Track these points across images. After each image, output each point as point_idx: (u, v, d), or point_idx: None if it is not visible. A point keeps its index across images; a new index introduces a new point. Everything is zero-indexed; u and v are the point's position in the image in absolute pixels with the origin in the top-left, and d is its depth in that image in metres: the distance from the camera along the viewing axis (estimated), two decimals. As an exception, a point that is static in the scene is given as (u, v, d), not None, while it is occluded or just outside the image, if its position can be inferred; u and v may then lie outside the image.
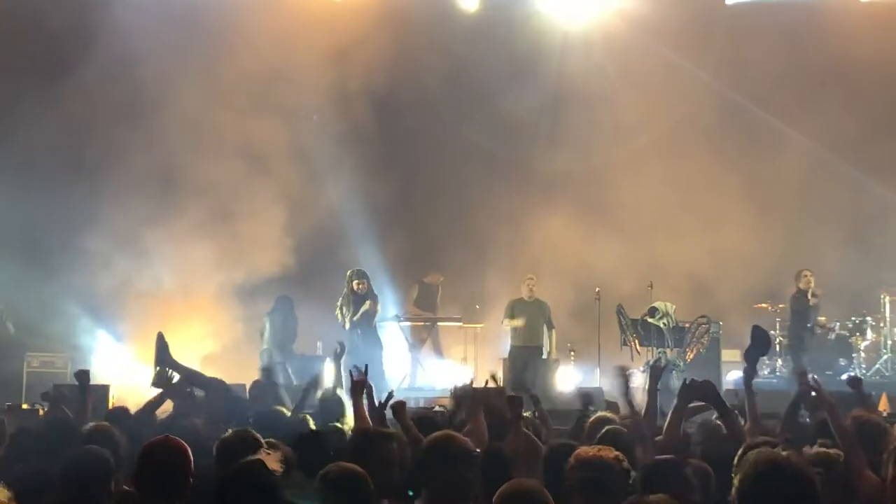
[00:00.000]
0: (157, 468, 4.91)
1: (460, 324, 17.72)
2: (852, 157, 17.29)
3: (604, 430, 6.20)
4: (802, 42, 17.74)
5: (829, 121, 16.82)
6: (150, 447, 5.01)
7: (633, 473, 4.97)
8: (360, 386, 7.34)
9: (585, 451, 4.89)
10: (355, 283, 15.84)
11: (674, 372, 14.13)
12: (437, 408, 11.10)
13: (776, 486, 3.64)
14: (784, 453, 3.96)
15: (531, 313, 15.81)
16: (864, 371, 16.04)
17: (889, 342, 16.76)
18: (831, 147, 17.28)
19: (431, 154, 18.69)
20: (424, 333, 17.46)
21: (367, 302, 15.84)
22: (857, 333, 16.89)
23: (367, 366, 7.50)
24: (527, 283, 15.91)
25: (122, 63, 16.00)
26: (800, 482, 3.64)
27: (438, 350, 17.63)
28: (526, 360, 15.45)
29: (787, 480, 3.64)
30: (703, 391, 6.65)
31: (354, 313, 15.78)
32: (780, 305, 17.02)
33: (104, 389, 12.29)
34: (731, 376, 15.32)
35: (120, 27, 15.95)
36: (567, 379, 15.58)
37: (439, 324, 17.65)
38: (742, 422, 6.43)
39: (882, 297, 17.01)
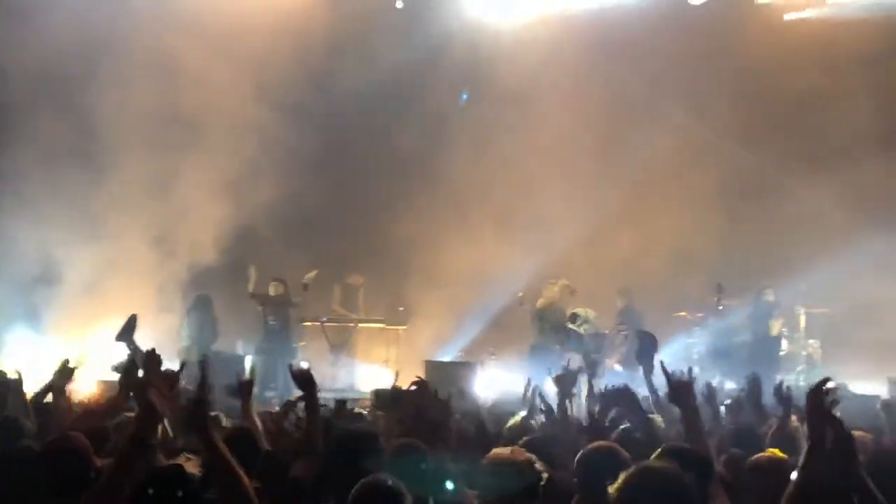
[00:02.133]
0: (57, 465, 4.90)
1: (383, 325, 17.71)
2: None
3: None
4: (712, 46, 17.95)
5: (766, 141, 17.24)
6: (48, 445, 5.03)
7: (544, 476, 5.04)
8: (246, 387, 7.23)
9: (497, 453, 4.93)
10: (272, 286, 16.33)
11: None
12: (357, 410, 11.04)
13: (645, 493, 3.64)
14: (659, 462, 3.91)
15: None
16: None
17: (804, 353, 17.04)
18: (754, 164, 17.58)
19: (356, 159, 18.68)
20: (347, 334, 17.42)
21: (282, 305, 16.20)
22: (777, 345, 17.05)
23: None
24: None
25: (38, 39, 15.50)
26: (671, 488, 3.59)
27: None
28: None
29: (657, 487, 3.61)
30: (620, 397, 6.70)
31: (270, 314, 16.09)
32: (699, 314, 17.22)
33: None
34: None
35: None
36: (488, 382, 15.58)
37: (361, 325, 17.59)
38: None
39: (798, 310, 17.27)
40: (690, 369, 5.75)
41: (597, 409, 6.75)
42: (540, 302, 16.12)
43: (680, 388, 5.53)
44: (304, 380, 5.94)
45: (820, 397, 3.87)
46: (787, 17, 18.68)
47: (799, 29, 18.32)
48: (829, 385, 3.96)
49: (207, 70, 16.23)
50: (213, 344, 16.11)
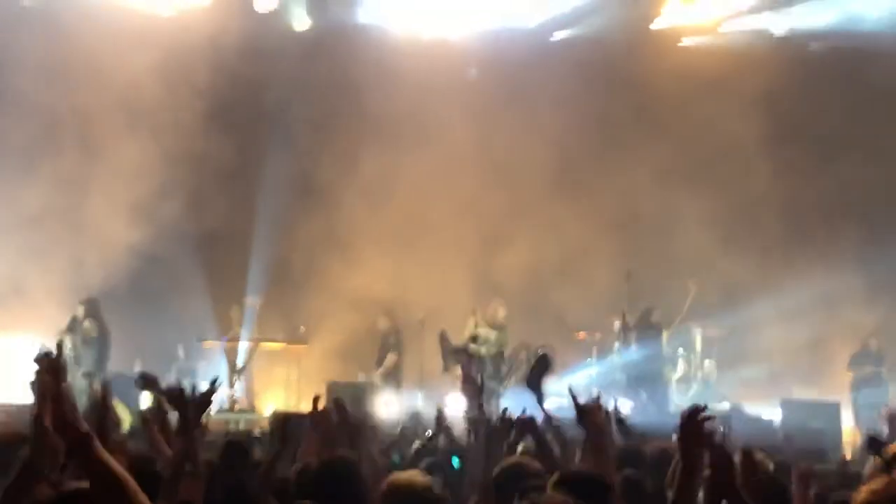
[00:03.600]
0: None
1: (283, 344, 17.59)
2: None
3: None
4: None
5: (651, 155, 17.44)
6: None
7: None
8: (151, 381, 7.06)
9: (397, 476, 4.94)
10: None
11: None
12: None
13: None
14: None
15: None
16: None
17: (699, 374, 17.31)
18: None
19: (255, 178, 18.30)
20: (247, 355, 17.25)
21: None
22: (670, 366, 17.42)
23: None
24: None
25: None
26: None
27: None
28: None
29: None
30: (522, 427, 6.70)
31: None
32: (597, 333, 17.35)
33: None
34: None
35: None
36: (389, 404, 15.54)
37: (262, 344, 17.44)
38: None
39: (694, 331, 17.53)
40: (599, 393, 5.98)
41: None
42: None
43: (587, 411, 5.58)
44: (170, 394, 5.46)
45: (693, 422, 3.76)
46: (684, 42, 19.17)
47: (694, 55, 18.76)
48: (715, 407, 3.96)
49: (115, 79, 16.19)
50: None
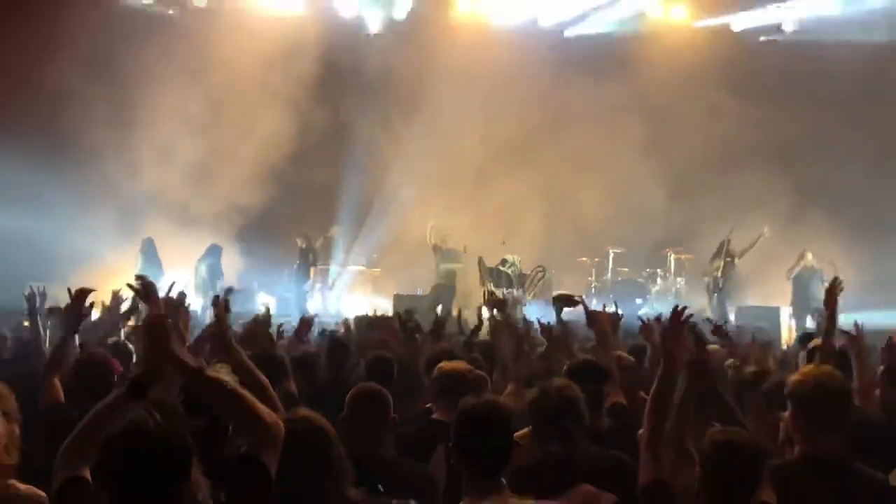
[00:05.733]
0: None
1: (362, 267, 17.67)
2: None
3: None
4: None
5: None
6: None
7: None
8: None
9: (444, 364, 4.85)
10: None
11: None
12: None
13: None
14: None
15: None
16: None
17: (674, 288, 17.20)
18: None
19: (347, 140, 17.75)
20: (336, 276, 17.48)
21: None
22: (650, 281, 17.49)
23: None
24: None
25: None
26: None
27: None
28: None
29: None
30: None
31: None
32: (596, 259, 17.47)
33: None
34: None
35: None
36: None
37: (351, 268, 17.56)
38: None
39: (668, 255, 17.53)
40: (605, 305, 6.04)
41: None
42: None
43: (594, 317, 5.59)
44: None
45: (678, 321, 3.54)
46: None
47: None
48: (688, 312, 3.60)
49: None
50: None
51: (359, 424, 3.92)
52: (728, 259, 15.89)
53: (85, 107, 14.96)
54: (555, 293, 7.76)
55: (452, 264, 16.10)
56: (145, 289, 4.81)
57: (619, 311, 6.39)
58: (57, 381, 4.47)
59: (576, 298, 7.32)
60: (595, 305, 6.47)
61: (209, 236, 16.25)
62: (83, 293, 4.73)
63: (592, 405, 4.08)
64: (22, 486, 3.17)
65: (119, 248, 15.59)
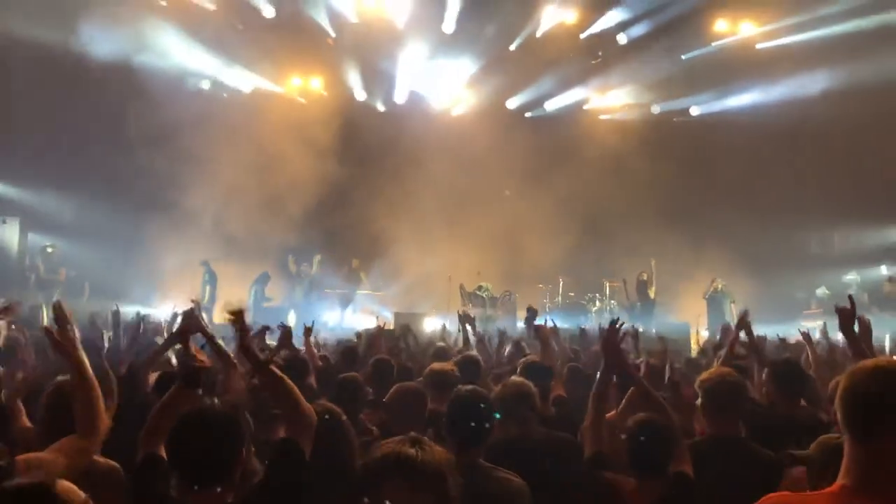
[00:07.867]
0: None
1: (370, 291, 17.51)
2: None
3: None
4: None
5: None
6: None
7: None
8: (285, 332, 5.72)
9: (434, 366, 4.68)
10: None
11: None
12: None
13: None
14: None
15: None
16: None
17: (608, 308, 17.02)
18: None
19: (357, 193, 17.75)
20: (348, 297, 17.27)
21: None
22: (591, 303, 17.48)
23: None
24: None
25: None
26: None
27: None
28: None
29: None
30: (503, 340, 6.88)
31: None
32: (550, 285, 17.37)
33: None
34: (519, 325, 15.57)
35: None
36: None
37: (360, 292, 17.40)
38: None
39: (604, 283, 17.47)
40: (546, 319, 6.16)
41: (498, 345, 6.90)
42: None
43: (537, 328, 5.71)
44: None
45: (613, 334, 3.45)
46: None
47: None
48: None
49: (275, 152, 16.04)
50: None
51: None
52: (644, 288, 16.24)
53: (166, 163, 14.93)
54: (528, 306, 7.75)
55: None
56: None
57: (556, 324, 6.52)
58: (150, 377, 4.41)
59: (535, 308, 7.49)
60: (549, 322, 6.47)
61: (258, 265, 16.20)
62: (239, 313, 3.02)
63: (541, 397, 4.07)
64: (101, 460, 3.01)
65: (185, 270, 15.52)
